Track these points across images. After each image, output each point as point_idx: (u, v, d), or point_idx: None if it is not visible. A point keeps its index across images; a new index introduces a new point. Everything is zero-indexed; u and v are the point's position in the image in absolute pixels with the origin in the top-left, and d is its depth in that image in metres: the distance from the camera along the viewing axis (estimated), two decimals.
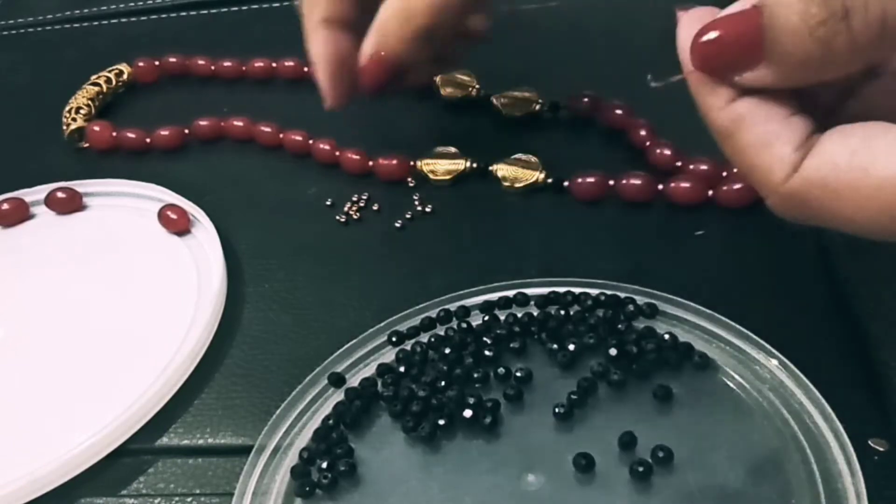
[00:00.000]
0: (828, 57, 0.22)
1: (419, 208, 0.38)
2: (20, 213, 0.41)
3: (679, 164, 0.37)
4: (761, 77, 0.23)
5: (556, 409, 0.28)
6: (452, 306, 0.33)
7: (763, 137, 0.23)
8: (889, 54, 0.23)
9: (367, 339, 0.32)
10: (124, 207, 0.41)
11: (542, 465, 0.27)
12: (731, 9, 0.24)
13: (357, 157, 0.40)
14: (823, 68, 0.23)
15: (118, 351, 0.34)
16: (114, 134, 0.45)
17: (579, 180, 0.37)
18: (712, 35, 0.23)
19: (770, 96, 0.24)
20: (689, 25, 0.24)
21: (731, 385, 0.28)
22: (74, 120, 0.46)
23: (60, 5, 0.57)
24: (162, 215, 0.39)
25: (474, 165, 0.39)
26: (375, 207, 0.39)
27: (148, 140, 0.44)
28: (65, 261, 0.39)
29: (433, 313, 0.32)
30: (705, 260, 0.34)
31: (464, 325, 0.32)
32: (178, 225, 0.39)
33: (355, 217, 0.39)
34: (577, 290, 0.32)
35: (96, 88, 0.48)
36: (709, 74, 0.24)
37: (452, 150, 0.40)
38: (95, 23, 0.56)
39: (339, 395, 0.30)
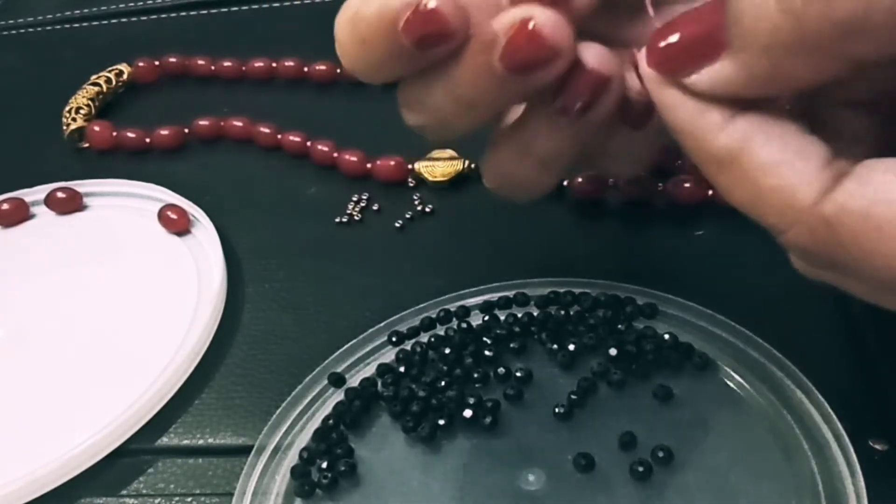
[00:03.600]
0: (799, 35, 0.19)
1: (419, 208, 0.38)
2: (20, 213, 0.41)
3: (679, 163, 0.37)
4: (720, 73, 0.20)
5: (556, 409, 0.28)
6: (452, 306, 0.33)
7: (781, 153, 0.20)
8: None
9: (367, 339, 0.32)
10: (124, 207, 0.41)
11: (542, 465, 0.27)
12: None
13: (355, 158, 0.40)
14: (794, 58, 0.19)
15: (118, 351, 0.34)
16: (114, 134, 0.45)
17: (579, 180, 0.37)
18: (674, 36, 0.21)
19: (774, 112, 0.20)
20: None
21: (731, 385, 0.28)
22: (74, 120, 0.46)
23: (60, 5, 0.57)
24: (162, 215, 0.39)
25: (472, 166, 0.39)
26: (375, 207, 0.39)
27: (148, 140, 0.44)
28: (65, 261, 0.39)
29: (433, 313, 0.32)
30: (705, 260, 0.34)
31: (464, 325, 0.31)
32: (178, 225, 0.39)
33: (356, 217, 0.39)
34: (577, 290, 0.32)
35: (96, 88, 0.48)
36: (663, 72, 0.21)
37: (449, 152, 0.40)
38: (95, 23, 0.56)
39: (339, 395, 0.30)
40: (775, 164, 0.20)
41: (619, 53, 0.25)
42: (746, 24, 0.19)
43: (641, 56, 0.23)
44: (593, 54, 0.24)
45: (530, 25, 0.23)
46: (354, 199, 0.39)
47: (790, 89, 0.20)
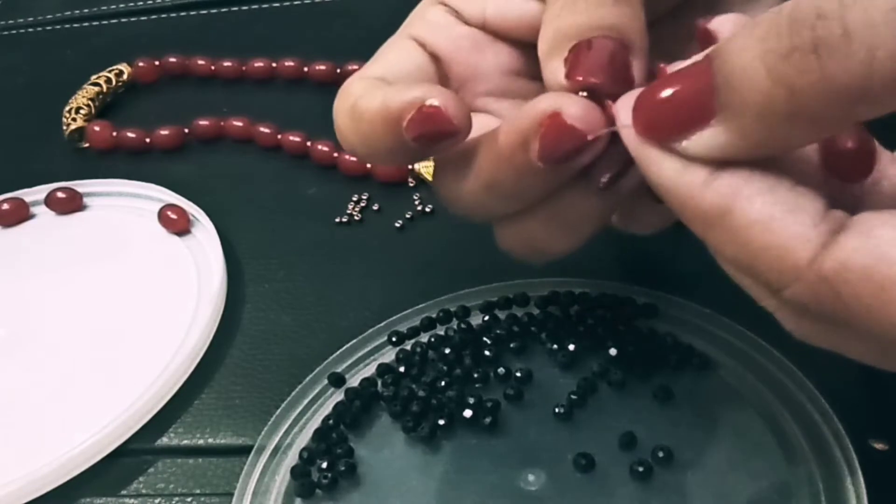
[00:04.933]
0: (794, 106, 0.17)
1: (419, 208, 0.38)
2: (20, 213, 0.41)
3: None
4: (714, 139, 0.19)
5: (557, 409, 0.28)
6: (452, 306, 0.33)
7: (772, 208, 0.19)
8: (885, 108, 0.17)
9: (367, 339, 0.32)
10: (124, 207, 0.41)
11: (542, 465, 0.27)
12: (679, 63, 0.20)
13: (355, 158, 0.40)
14: (791, 125, 0.18)
15: (118, 351, 0.34)
16: (114, 134, 0.45)
17: None
18: (661, 99, 0.20)
19: (761, 164, 0.19)
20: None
21: (732, 385, 0.28)
22: (74, 120, 0.46)
23: (60, 5, 0.57)
24: (162, 215, 0.39)
25: None
26: (375, 207, 0.39)
27: (148, 140, 0.44)
28: (65, 261, 0.39)
29: (433, 313, 0.32)
30: (705, 260, 0.34)
31: (464, 325, 0.31)
32: (178, 225, 0.39)
33: (356, 217, 0.39)
34: (577, 290, 0.32)
35: (96, 88, 0.48)
36: (651, 137, 0.20)
37: None
38: (95, 23, 0.56)
39: (339, 395, 0.30)
40: (767, 221, 0.19)
41: None
42: (737, 92, 0.18)
43: (618, 109, 0.22)
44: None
45: (562, 117, 0.23)
46: (354, 199, 0.39)
47: (787, 150, 0.20)
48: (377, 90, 0.26)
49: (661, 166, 0.20)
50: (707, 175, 0.19)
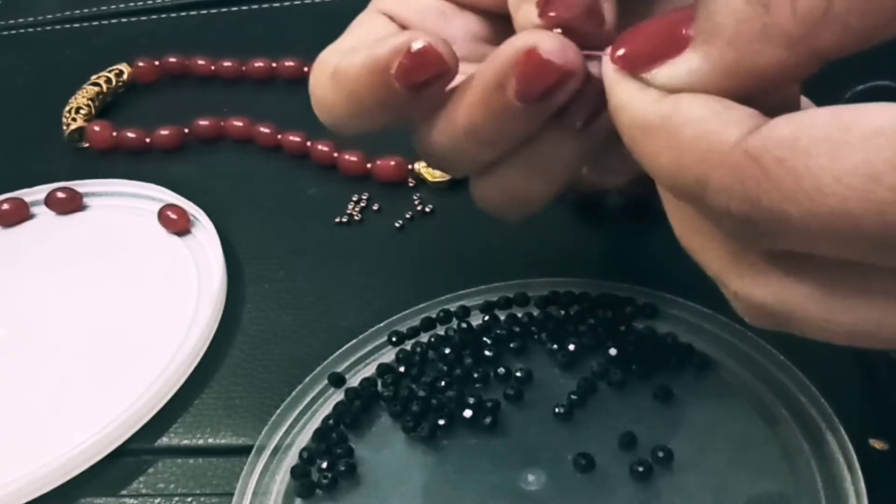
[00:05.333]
0: (765, 30, 0.18)
1: (419, 208, 0.38)
2: (20, 213, 0.41)
3: None
4: (685, 65, 0.20)
5: (557, 409, 0.28)
6: (452, 306, 0.33)
7: (709, 109, 0.19)
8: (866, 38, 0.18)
9: (367, 339, 0.32)
10: (124, 207, 0.41)
11: (542, 465, 0.27)
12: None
13: (355, 158, 0.40)
14: (762, 51, 0.19)
15: (118, 351, 0.34)
16: (114, 134, 0.45)
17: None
18: (638, 34, 0.21)
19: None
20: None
21: (732, 385, 0.28)
22: (74, 120, 0.46)
23: (60, 5, 0.57)
24: (162, 215, 0.39)
25: None
26: (375, 207, 0.39)
27: (148, 140, 0.44)
28: (65, 261, 0.39)
29: (433, 313, 0.32)
30: None
31: (464, 325, 0.32)
32: (178, 225, 0.39)
33: (356, 217, 0.39)
34: (577, 290, 0.32)
35: (96, 88, 0.48)
36: (625, 67, 0.21)
37: None
38: (95, 23, 0.56)
39: (339, 395, 0.30)
40: (701, 119, 0.19)
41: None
42: (712, 17, 0.19)
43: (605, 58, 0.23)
44: (596, 63, 0.24)
45: (538, 53, 0.23)
46: (354, 199, 0.39)
47: (753, 85, 0.20)
48: (358, 51, 0.26)
49: (623, 88, 0.21)
50: (658, 94, 0.20)
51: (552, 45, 0.23)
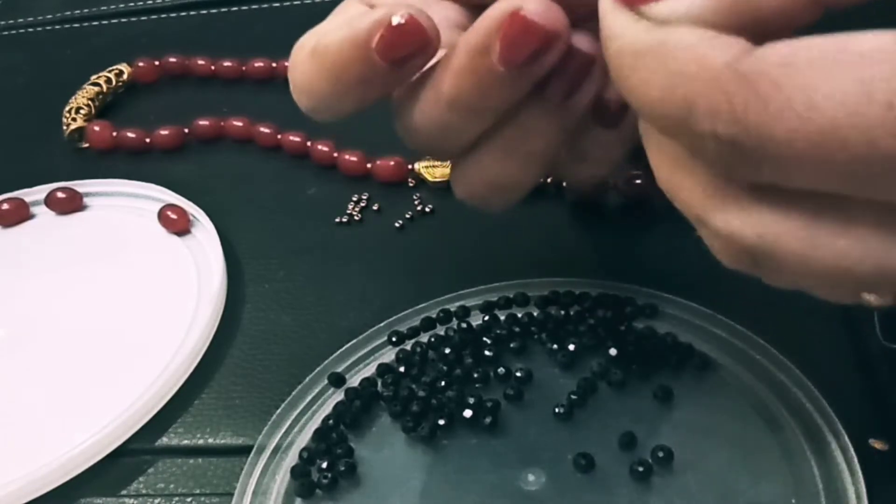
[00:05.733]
0: None
1: (419, 208, 0.38)
2: (20, 213, 0.41)
3: None
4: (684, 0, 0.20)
5: (557, 409, 0.28)
6: (452, 306, 0.33)
7: (705, 35, 0.19)
8: None
9: (367, 339, 0.32)
10: (124, 207, 0.41)
11: (542, 465, 0.27)
12: None
13: (355, 158, 0.40)
14: None
15: (118, 351, 0.34)
16: (114, 134, 0.45)
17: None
18: None
19: None
20: None
21: (731, 385, 0.28)
22: (74, 120, 0.46)
23: (60, 5, 0.57)
24: (162, 215, 0.39)
25: None
26: (375, 207, 0.39)
27: (148, 140, 0.44)
28: (65, 261, 0.39)
29: (433, 313, 0.32)
30: (705, 260, 0.34)
31: (464, 325, 0.32)
32: (178, 225, 0.39)
33: (356, 217, 0.39)
34: (577, 291, 0.32)
35: (96, 88, 0.48)
36: (626, 1, 0.20)
37: None
38: (95, 23, 0.56)
39: (339, 395, 0.30)
40: (694, 43, 0.19)
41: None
42: None
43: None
44: (578, 36, 0.24)
45: (522, 15, 0.23)
46: (354, 199, 0.39)
47: (751, 25, 0.19)
48: (338, 28, 0.25)
49: (618, 17, 0.21)
50: (653, 24, 0.20)
51: (536, 6, 0.23)
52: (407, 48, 0.25)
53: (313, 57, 0.26)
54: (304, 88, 0.27)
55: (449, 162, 0.29)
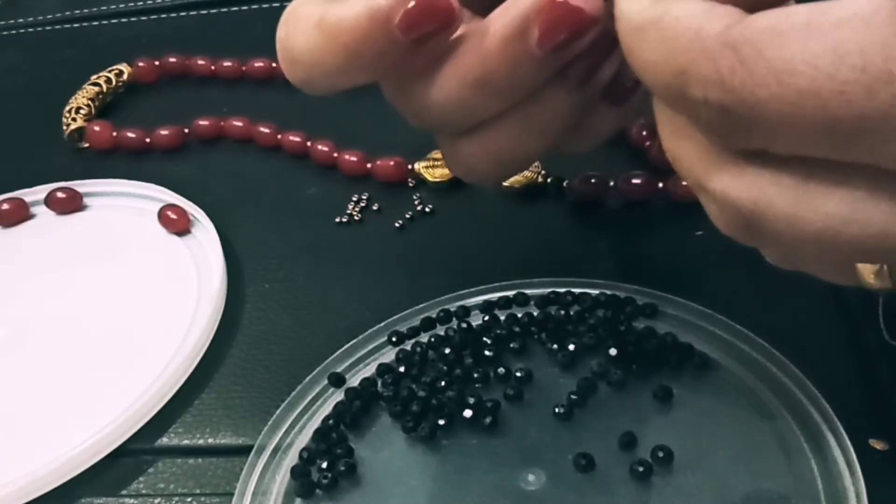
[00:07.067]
0: None
1: (419, 208, 0.38)
2: (20, 213, 0.41)
3: None
4: None
5: (556, 409, 0.28)
6: (452, 306, 0.33)
7: (700, 7, 0.19)
8: None
9: (367, 339, 0.32)
10: (124, 207, 0.41)
11: (542, 465, 0.27)
12: None
13: (355, 158, 0.40)
14: None
15: (118, 351, 0.34)
16: (114, 134, 0.45)
17: (579, 180, 0.37)
18: None
19: None
20: None
21: (731, 385, 0.28)
22: (74, 120, 0.46)
23: (60, 5, 0.57)
24: (162, 215, 0.39)
25: None
26: (375, 208, 0.39)
27: (148, 140, 0.44)
28: (65, 261, 0.39)
29: (433, 313, 0.32)
30: (705, 260, 0.34)
31: (464, 325, 0.31)
32: (178, 225, 0.39)
33: (356, 217, 0.39)
34: (577, 290, 0.32)
35: (96, 88, 0.48)
36: None
37: None
38: (95, 23, 0.56)
39: (339, 395, 0.30)
40: (689, 15, 0.19)
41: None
42: None
43: None
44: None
45: (566, 1, 0.23)
46: (354, 199, 0.39)
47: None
48: (352, 1, 0.24)
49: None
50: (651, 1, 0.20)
51: None
52: (431, 25, 0.24)
53: (320, 29, 0.25)
54: (303, 60, 0.26)
55: (443, 139, 0.28)
